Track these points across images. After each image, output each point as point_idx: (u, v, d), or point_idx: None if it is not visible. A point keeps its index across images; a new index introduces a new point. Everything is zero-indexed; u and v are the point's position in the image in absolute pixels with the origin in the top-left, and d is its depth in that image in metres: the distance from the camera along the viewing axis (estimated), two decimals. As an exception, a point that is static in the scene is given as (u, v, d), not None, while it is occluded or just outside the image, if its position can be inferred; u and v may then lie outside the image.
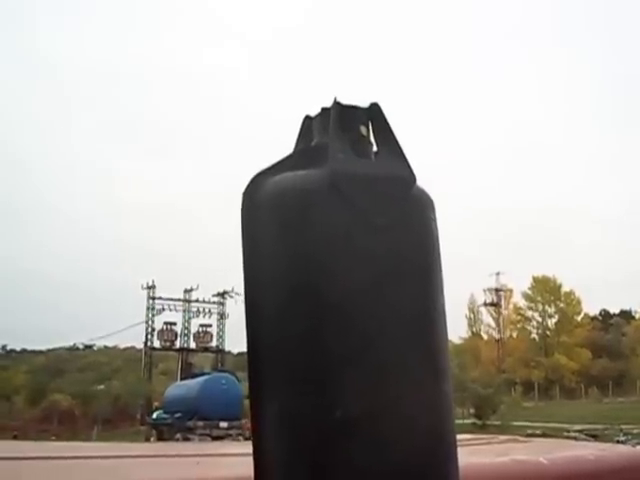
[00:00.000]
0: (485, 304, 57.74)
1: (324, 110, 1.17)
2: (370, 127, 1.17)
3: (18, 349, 65.89)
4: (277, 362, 1.06)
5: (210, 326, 44.66)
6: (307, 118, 1.22)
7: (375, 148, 1.17)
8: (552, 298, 56.71)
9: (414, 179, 1.15)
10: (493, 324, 58.01)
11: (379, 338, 1.04)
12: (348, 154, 1.11)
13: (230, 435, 19.34)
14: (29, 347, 65.79)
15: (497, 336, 57.34)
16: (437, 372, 1.10)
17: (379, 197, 1.09)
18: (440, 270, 1.16)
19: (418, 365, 1.07)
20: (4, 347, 63.80)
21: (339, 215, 1.06)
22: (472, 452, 2.09)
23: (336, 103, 1.14)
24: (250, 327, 1.10)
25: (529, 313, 58.39)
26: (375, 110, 1.18)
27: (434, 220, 1.17)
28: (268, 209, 1.10)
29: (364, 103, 1.17)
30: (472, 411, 33.62)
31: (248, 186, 1.12)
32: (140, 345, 45.71)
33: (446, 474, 1.09)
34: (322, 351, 1.02)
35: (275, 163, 1.14)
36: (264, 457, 1.06)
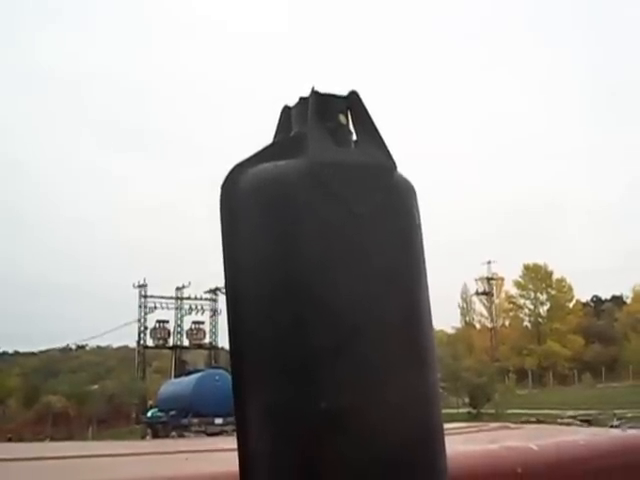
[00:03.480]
0: (477, 293, 57.97)
1: (302, 99, 1.15)
2: (349, 115, 1.16)
3: (10, 351, 65.62)
4: (261, 354, 1.04)
5: (203, 323, 44.66)
6: (286, 108, 1.20)
7: (355, 136, 1.16)
8: (543, 285, 56.96)
9: (394, 167, 1.14)
10: (485, 313, 58.26)
11: (364, 329, 1.03)
12: (327, 143, 1.10)
13: (226, 431, 19.29)
14: (21, 349, 65.58)
15: (490, 325, 57.57)
16: (423, 363, 1.10)
17: (359, 185, 1.08)
18: (423, 258, 1.15)
19: (404, 356, 1.06)
20: (-4, 350, 63.46)
21: (320, 205, 1.05)
22: (463, 440, 2.09)
23: (314, 92, 1.13)
24: (232, 320, 1.09)
25: (521, 301, 58.67)
26: (354, 98, 1.16)
27: (416, 207, 1.16)
28: (248, 200, 1.08)
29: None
30: (466, 400, 33.76)
31: (227, 178, 1.11)
32: (133, 344, 45.68)
33: (434, 464, 1.08)
34: (306, 343, 1.01)
35: (254, 154, 1.13)
36: (249, 451, 1.05)
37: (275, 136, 1.19)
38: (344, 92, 1.16)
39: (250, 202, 1.08)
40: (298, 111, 1.17)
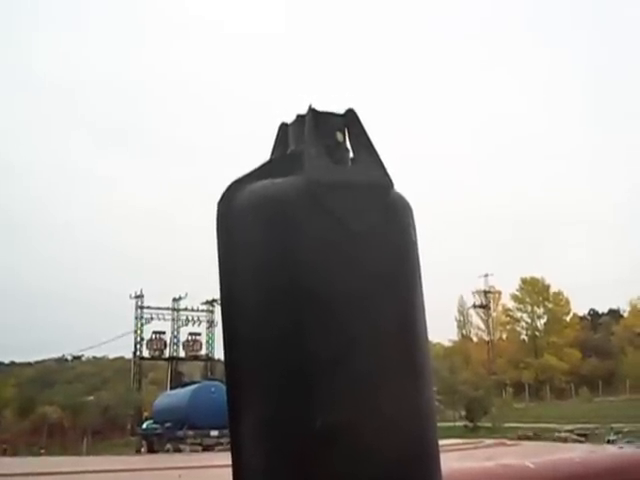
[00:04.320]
0: (474, 306, 57.81)
1: (300, 117, 1.16)
2: (346, 133, 1.17)
3: (6, 362, 65.31)
4: (256, 366, 1.05)
5: (199, 334, 44.41)
6: (283, 125, 1.21)
7: (351, 154, 1.16)
8: (541, 299, 56.90)
9: (391, 184, 1.15)
10: (483, 326, 58.12)
11: (359, 345, 1.03)
12: (324, 161, 1.10)
13: (221, 443, 19.17)
14: (17, 359, 65.29)
15: (487, 338, 57.42)
16: (419, 378, 1.10)
17: (356, 204, 1.08)
18: (419, 274, 1.15)
19: (399, 371, 1.07)
20: (-8, 360, 63.13)
21: (317, 223, 1.05)
22: (459, 457, 2.08)
23: (311, 110, 1.13)
24: (227, 333, 1.09)
25: (518, 314, 58.54)
26: (351, 116, 1.17)
27: (412, 225, 1.16)
28: (245, 217, 1.08)
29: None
30: (463, 413, 33.62)
31: (224, 194, 1.11)
32: (129, 355, 45.42)
33: (429, 481, 1.08)
34: (302, 356, 1.01)
35: (251, 171, 1.13)
36: (243, 467, 1.05)
37: (272, 153, 1.19)
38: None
39: (247, 219, 1.08)
40: (295, 128, 1.17)
